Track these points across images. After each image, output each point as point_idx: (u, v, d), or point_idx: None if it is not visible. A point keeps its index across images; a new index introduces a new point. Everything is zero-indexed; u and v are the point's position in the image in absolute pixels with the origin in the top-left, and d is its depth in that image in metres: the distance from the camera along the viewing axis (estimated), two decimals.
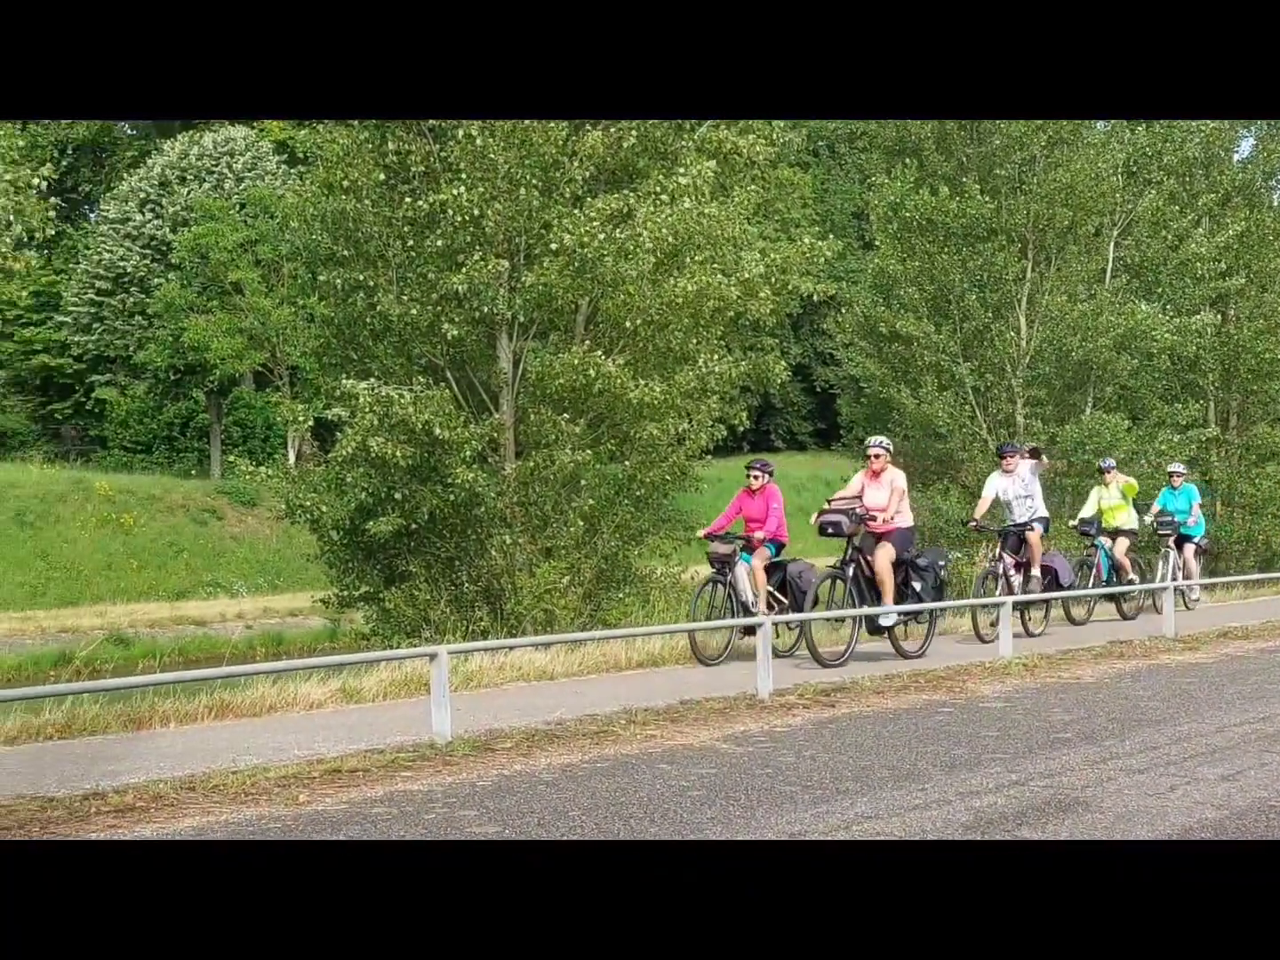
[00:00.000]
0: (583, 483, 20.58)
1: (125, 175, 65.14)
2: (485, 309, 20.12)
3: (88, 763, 9.13)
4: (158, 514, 50.98)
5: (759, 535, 15.22)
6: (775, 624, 14.64)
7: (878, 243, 32.31)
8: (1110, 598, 20.47)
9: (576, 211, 19.90)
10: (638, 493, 21.46)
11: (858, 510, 14.94)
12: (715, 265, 20.65)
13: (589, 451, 20.24)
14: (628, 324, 20.40)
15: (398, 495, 20.63)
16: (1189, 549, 22.51)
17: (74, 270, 62.99)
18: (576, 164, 20.17)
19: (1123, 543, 20.72)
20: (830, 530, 14.96)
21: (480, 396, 21.44)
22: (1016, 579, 17.59)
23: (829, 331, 36.04)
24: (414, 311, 20.25)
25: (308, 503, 21.67)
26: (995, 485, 18.22)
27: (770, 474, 15.79)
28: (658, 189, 20.27)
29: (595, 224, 19.46)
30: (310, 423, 23.28)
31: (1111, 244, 32.02)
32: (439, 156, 20.48)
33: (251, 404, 61.35)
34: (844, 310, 32.87)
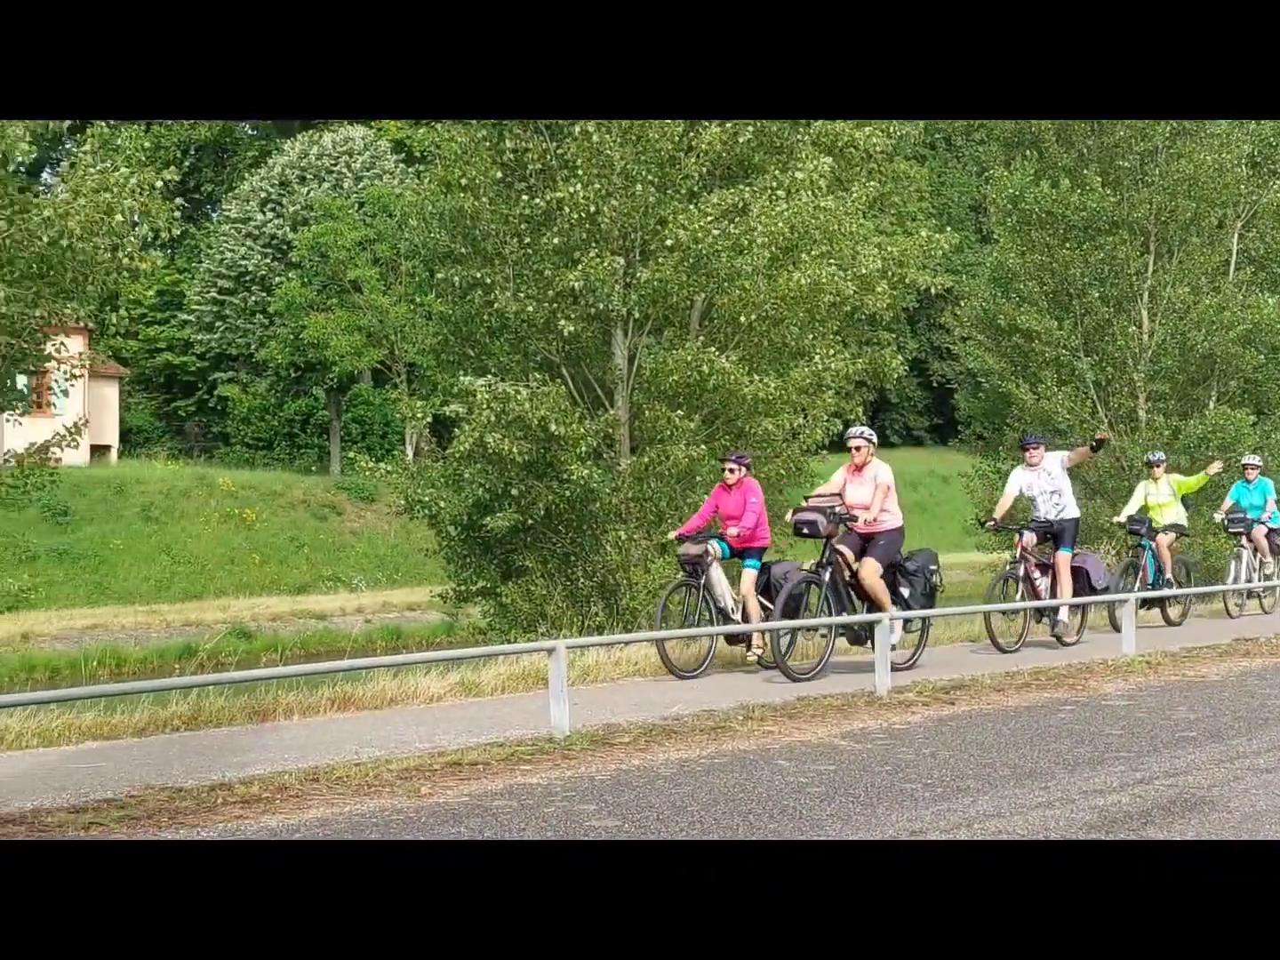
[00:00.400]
0: (697, 478, 20.60)
1: (246, 175, 66.16)
2: (600, 305, 20.21)
3: (214, 754, 9.29)
4: (279, 509, 51.72)
5: (733, 532, 13.75)
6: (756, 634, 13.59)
7: (996, 236, 32.00)
8: (1157, 602, 18.72)
9: (692, 207, 19.93)
10: None
11: (837, 509, 13.50)
12: (831, 259, 20.57)
13: (703, 447, 20.24)
14: (742, 319, 20.41)
15: (514, 491, 20.77)
16: (1259, 531, 20.39)
17: (197, 269, 64.07)
18: (693, 160, 20.19)
19: (1166, 537, 18.85)
20: (806, 531, 13.54)
21: (595, 393, 21.54)
22: (1043, 581, 15.94)
23: (946, 325, 35.74)
24: (530, 308, 20.38)
25: (426, 498, 21.90)
26: (1018, 481, 16.48)
27: (747, 467, 14.39)
28: (774, 184, 20.25)
29: (710, 219, 19.49)
30: (428, 419, 23.51)
31: (1235, 236, 31.42)
32: (555, 154, 20.59)
33: (370, 401, 62.04)
34: (962, 303, 32.59)
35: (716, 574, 13.72)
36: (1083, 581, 16.25)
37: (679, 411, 20.06)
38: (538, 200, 20.04)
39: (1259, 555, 20.44)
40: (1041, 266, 29.88)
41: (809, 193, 20.21)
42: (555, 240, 20.04)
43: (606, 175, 19.77)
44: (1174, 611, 18.93)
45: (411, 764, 8.72)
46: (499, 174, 20.60)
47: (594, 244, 19.92)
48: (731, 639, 13.86)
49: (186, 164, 67.52)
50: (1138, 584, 18.37)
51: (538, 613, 21.02)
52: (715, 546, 13.78)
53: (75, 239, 13.56)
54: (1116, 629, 17.08)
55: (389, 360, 58.06)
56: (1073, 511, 16.33)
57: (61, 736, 9.93)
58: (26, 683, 29.27)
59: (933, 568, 14.13)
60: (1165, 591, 18.48)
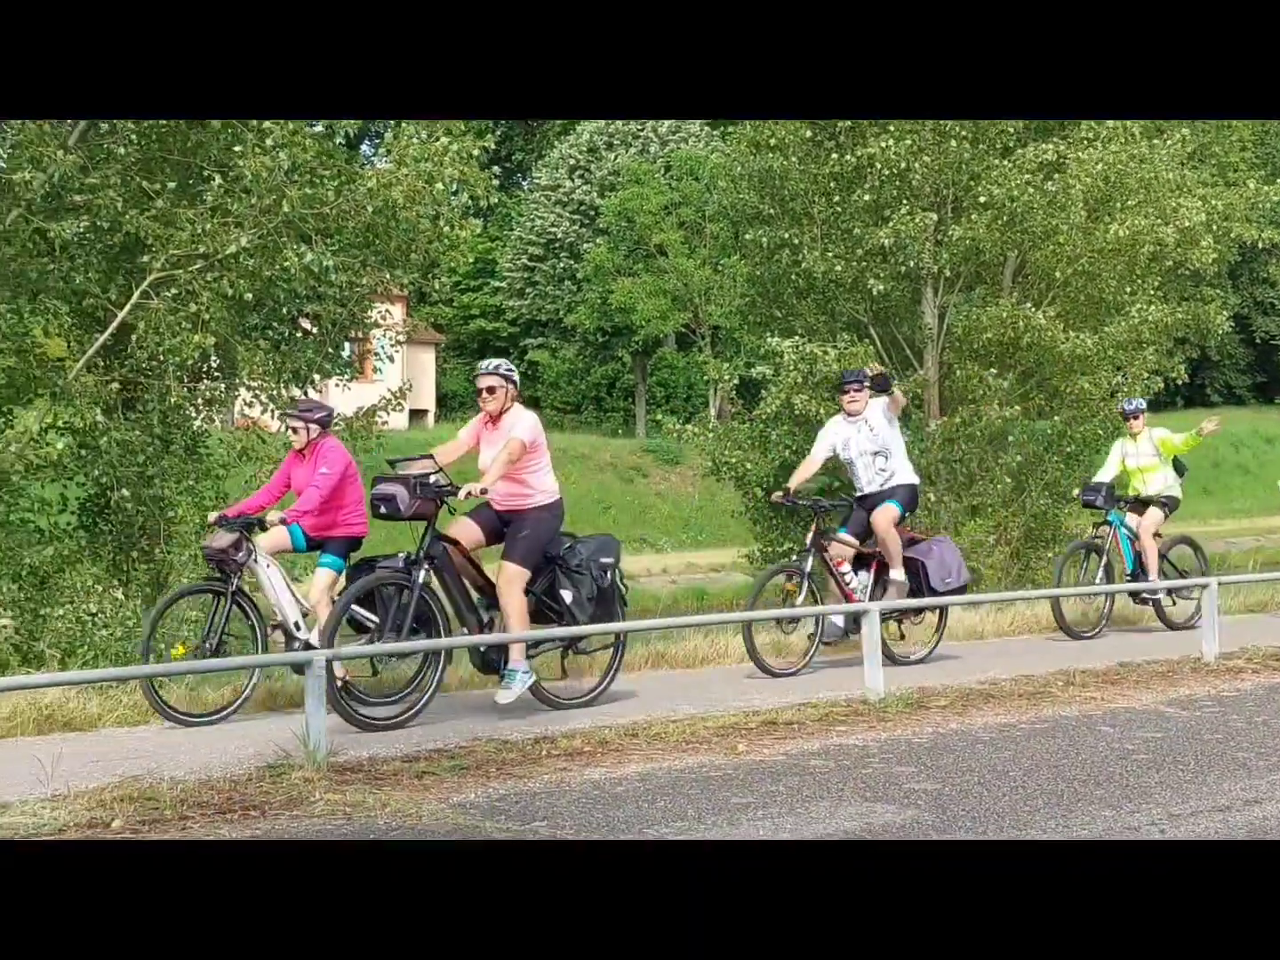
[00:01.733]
0: (1010, 439, 20.23)
1: (555, 143, 67.30)
2: (911, 263, 19.98)
3: (535, 707, 9.52)
4: (587, 472, 52.66)
5: (273, 516, 9.68)
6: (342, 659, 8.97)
7: None
8: (1141, 598, 13.72)
9: (1005, 162, 19.52)
10: (1068, 449, 20.91)
11: (434, 477, 9.24)
12: (1150, 210, 19.91)
13: (1017, 407, 19.85)
14: (1058, 274, 19.96)
15: None
16: None
17: (508, 237, 65.54)
18: None
19: (1153, 515, 13.82)
20: (383, 509, 9.20)
21: (904, 352, 21.33)
22: (857, 580, 11.55)
23: (1272, 279, 34.17)
24: (838, 268, 20.30)
25: (733, 460, 22.01)
26: (831, 436, 11.83)
27: (322, 424, 9.90)
28: (1089, 134, 19.69)
29: (1025, 176, 19.08)
30: (735, 381, 23.63)
31: None
32: None
33: (674, 364, 62.59)
34: None
35: (265, 576, 9.76)
36: (920, 579, 11.64)
37: (991, 370, 19.72)
38: (848, 158, 19.91)
39: None
40: None
41: (1122, 142, 19.60)
42: (865, 198, 19.88)
43: (918, 131, 19.50)
44: (1174, 612, 14.01)
45: (727, 722, 8.78)
46: (808, 133, 20.50)
47: (905, 201, 19.69)
48: (301, 668, 8.54)
49: (498, 133, 68.99)
50: (1100, 575, 13.54)
51: None
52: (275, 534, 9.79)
53: (399, 208, 13.99)
54: (1071, 634, 13.01)
55: (693, 323, 58.48)
56: (907, 478, 11.75)
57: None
58: None
59: (606, 560, 9.69)
60: (1149, 584, 13.51)
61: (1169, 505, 14.03)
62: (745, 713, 9.11)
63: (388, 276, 15.84)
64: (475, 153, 14.85)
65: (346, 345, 18.49)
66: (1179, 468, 14.39)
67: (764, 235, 21.27)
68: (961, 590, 11.89)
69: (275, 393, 15.00)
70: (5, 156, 13.20)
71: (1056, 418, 20.75)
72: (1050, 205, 19.31)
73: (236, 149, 13.30)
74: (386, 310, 16.64)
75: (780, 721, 8.82)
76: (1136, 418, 14.31)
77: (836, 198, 20.48)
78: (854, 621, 11.02)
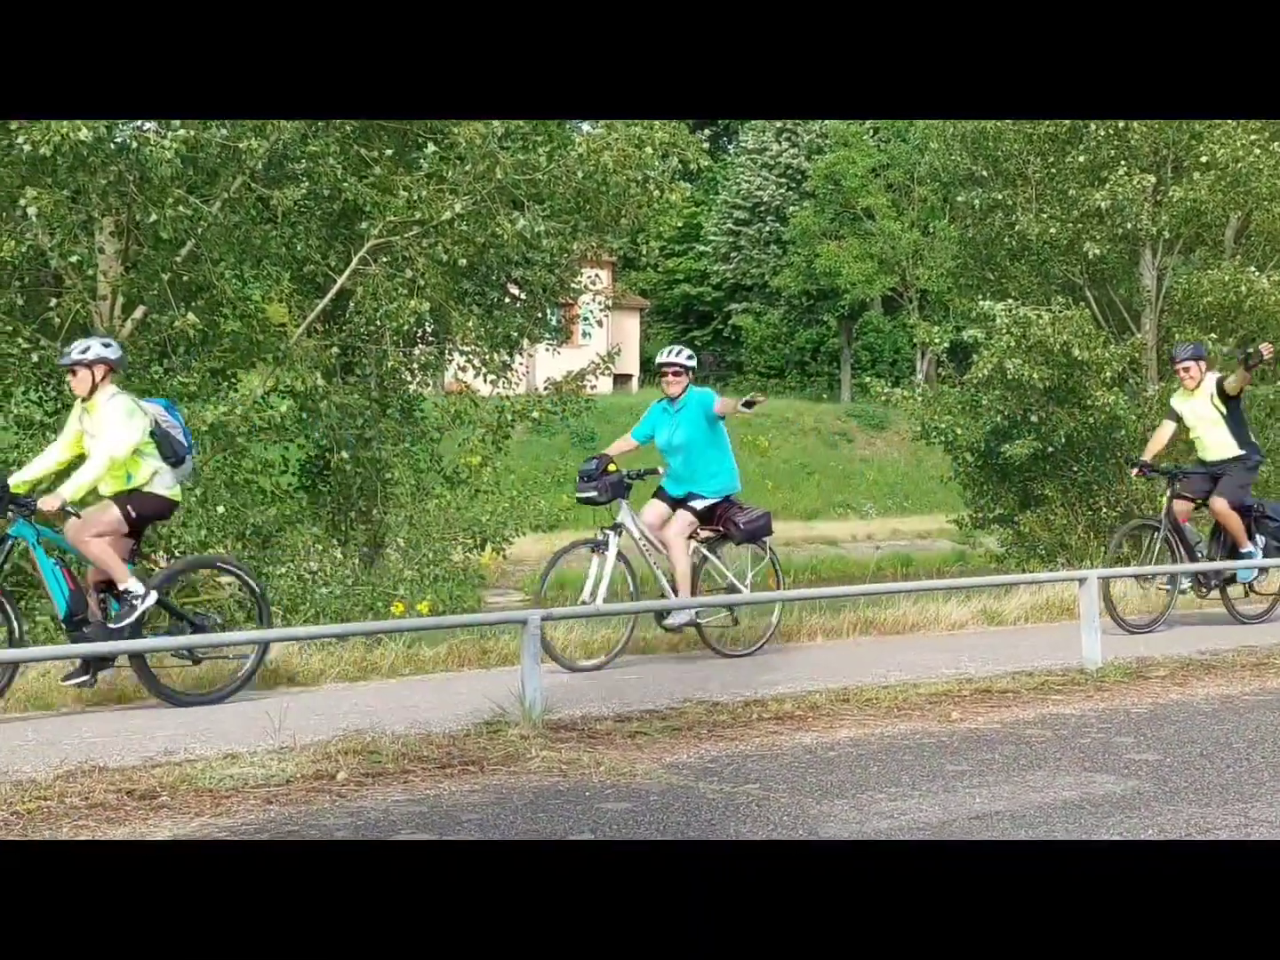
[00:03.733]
0: None
1: None
2: (1129, 225, 19.50)
3: (746, 671, 9.56)
4: (790, 436, 52.51)
5: None
6: None
7: None
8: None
9: (1229, 121, 18.92)
10: None
11: None
12: None
13: (1241, 372, 19.30)
14: None
15: (1034, 418, 20.40)
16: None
17: (714, 201, 65.55)
18: None
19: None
20: None
21: (1120, 315, 20.87)
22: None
23: None
24: (1053, 229, 19.91)
25: (942, 425, 21.76)
26: None
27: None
28: None
29: (1251, 136, 18.49)
30: (946, 345, 23.33)
31: None
32: None
33: (880, 328, 62.06)
34: None
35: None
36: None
37: (1212, 334, 19.18)
38: None
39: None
40: None
41: None
42: (1081, 158, 19.45)
43: None
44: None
45: (939, 689, 8.70)
46: None
47: (1122, 161, 19.21)
48: None
49: None
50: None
51: (1058, 542, 20.62)
52: None
53: (609, 173, 14.06)
54: None
55: (900, 287, 57.91)
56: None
57: (601, 650, 10.40)
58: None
59: None
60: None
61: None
62: (958, 680, 9.02)
63: (597, 242, 15.92)
64: None
65: (553, 311, 18.67)
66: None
67: (977, 197, 20.96)
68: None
69: (487, 358, 15.21)
70: (230, 125, 13.53)
71: (1279, 383, 20.14)
72: (1276, 166, 18.70)
73: None
74: (595, 275, 16.76)
75: (995, 690, 8.71)
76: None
77: (1051, 158, 20.08)
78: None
